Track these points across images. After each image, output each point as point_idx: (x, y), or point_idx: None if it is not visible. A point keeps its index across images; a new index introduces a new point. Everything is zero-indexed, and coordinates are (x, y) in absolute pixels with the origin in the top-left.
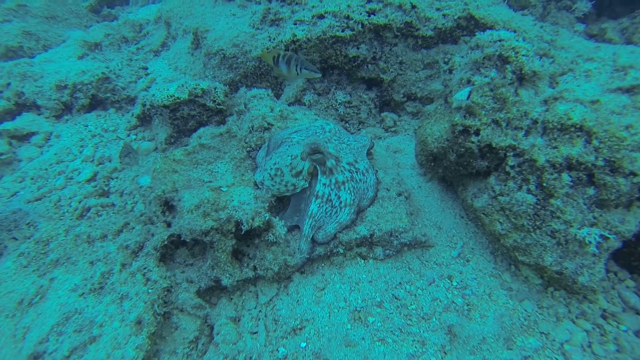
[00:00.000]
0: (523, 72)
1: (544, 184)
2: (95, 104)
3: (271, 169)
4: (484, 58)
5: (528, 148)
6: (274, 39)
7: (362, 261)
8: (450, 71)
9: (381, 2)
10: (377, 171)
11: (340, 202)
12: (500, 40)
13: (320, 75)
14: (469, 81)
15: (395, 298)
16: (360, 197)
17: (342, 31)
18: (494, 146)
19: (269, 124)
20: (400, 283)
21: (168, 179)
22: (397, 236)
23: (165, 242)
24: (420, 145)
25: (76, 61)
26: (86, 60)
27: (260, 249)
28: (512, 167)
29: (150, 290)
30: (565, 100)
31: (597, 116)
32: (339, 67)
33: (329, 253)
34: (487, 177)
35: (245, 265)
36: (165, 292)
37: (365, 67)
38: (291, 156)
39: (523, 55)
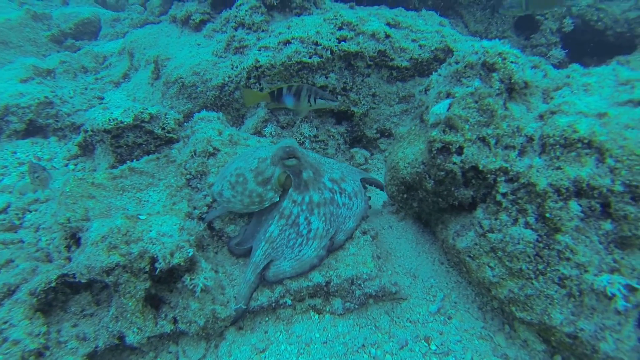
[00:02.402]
0: (512, 81)
1: (547, 215)
2: (33, 130)
3: (231, 175)
4: (465, 67)
5: (524, 170)
6: (236, 67)
7: (316, 316)
8: (427, 91)
9: (353, 31)
10: (369, 197)
11: (310, 232)
12: (483, 49)
13: (337, 103)
14: (448, 94)
15: None
16: (337, 228)
17: (310, 57)
18: (481, 169)
19: (214, 148)
20: (363, 345)
21: (79, 206)
22: (360, 285)
23: (52, 285)
24: (391, 172)
25: (17, 84)
26: (30, 84)
27: (183, 295)
28: (504, 195)
29: (1, 357)
30: (566, 113)
31: (609, 130)
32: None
33: (273, 304)
34: (472, 211)
35: (162, 316)
36: (33, 358)
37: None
38: (259, 159)
39: (512, 62)
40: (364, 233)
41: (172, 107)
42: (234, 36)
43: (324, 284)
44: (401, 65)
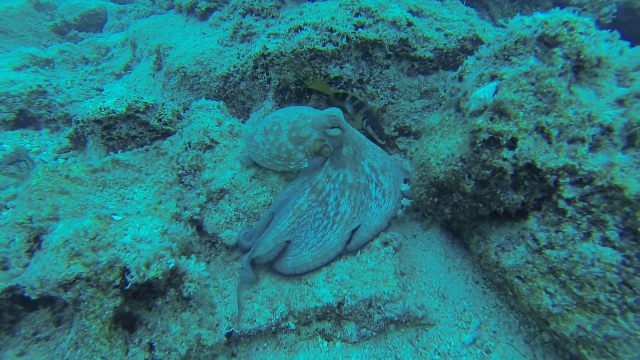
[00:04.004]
0: (582, 57)
1: None
2: (24, 121)
3: (268, 121)
4: (516, 42)
5: (601, 170)
6: (243, 56)
7: (325, 343)
8: (460, 78)
9: (372, 17)
10: (402, 206)
11: (337, 214)
12: (539, 20)
13: (383, 143)
14: (493, 77)
15: None
16: (362, 222)
17: (323, 45)
18: (538, 167)
19: (212, 140)
20: None
21: (46, 203)
22: (379, 308)
23: None
24: (419, 171)
25: (9, 71)
26: (24, 72)
27: (163, 314)
28: (569, 201)
29: None
30: None
31: None
32: (317, 90)
33: (274, 327)
34: (520, 220)
35: (136, 341)
36: None
37: (350, 91)
38: (300, 114)
39: (581, 33)
40: (385, 244)
41: (173, 98)
42: (241, 23)
43: (336, 305)
44: (424, 56)
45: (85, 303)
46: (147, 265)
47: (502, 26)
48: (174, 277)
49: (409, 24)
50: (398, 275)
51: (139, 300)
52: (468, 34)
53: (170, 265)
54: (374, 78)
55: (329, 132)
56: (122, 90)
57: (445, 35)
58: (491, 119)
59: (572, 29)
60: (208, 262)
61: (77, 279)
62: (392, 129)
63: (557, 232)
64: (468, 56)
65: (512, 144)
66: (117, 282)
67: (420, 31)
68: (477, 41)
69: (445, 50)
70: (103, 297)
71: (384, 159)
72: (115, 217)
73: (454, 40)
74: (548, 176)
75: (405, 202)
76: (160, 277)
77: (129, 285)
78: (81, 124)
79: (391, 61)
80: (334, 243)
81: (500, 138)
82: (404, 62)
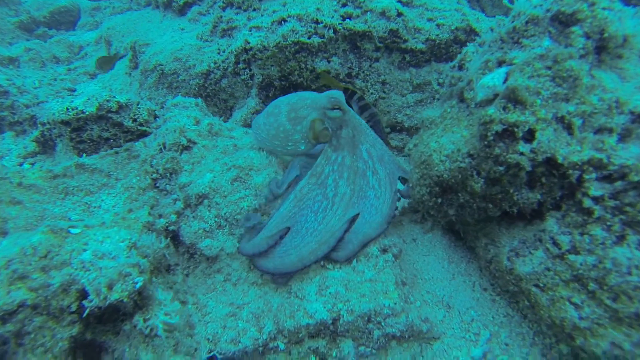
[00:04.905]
0: (606, 36)
1: None
2: None
3: (271, 105)
4: (526, 23)
5: (635, 163)
6: (224, 51)
7: None
8: (461, 67)
9: (359, 8)
10: (398, 198)
11: (336, 195)
12: None
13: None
14: (501, 62)
15: None
16: (362, 210)
17: (309, 38)
18: (559, 162)
19: (189, 140)
20: None
21: None
22: (379, 323)
23: None
24: (420, 169)
25: None
26: None
27: (132, 340)
28: (596, 199)
29: None
30: None
31: None
32: (303, 85)
33: (261, 348)
34: (536, 221)
35: None
36: None
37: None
38: (300, 97)
39: (604, 8)
40: (384, 251)
41: (151, 98)
42: (221, 17)
43: (330, 321)
44: (415, 47)
45: (32, 335)
46: (109, 286)
47: (494, 16)
48: (142, 300)
49: (399, 14)
50: (399, 285)
51: (104, 324)
52: (461, 24)
53: (138, 285)
54: (363, 72)
55: (329, 114)
56: (95, 91)
57: (437, 25)
58: (504, 108)
59: (593, 3)
60: (187, 275)
61: (20, 307)
62: (384, 125)
63: (582, 234)
64: (462, 47)
65: (529, 136)
66: (74, 307)
67: (411, 22)
68: (471, 31)
69: (437, 41)
70: (55, 326)
71: (382, 150)
72: (73, 231)
73: (447, 31)
74: (570, 172)
75: (400, 202)
76: (125, 300)
77: (86, 311)
78: (47, 126)
79: (381, 54)
80: (336, 226)
81: (516, 129)
82: (394, 55)
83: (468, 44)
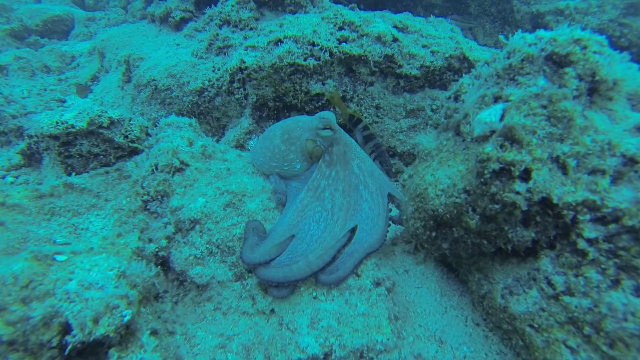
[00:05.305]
0: (597, 79)
1: None
2: None
3: (267, 130)
4: (522, 61)
5: (629, 207)
6: (219, 69)
7: None
8: (457, 98)
9: (355, 32)
10: (390, 210)
11: (334, 206)
12: (545, 37)
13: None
14: (497, 98)
15: None
16: (359, 222)
17: (305, 60)
18: (554, 202)
19: (182, 162)
20: None
21: None
22: (371, 359)
23: None
24: (415, 202)
25: None
26: None
27: None
28: (590, 241)
29: None
30: None
31: None
32: (297, 107)
33: None
34: (530, 259)
35: None
36: None
37: (331, 109)
38: (294, 119)
39: (595, 52)
40: (377, 284)
41: (143, 113)
42: (217, 34)
43: (322, 356)
44: (410, 73)
45: None
46: (95, 320)
47: (488, 45)
48: (127, 334)
49: (395, 39)
50: (392, 320)
51: (86, 358)
52: (455, 52)
53: (126, 319)
54: (357, 95)
55: (321, 133)
56: (86, 103)
57: (432, 52)
58: (501, 146)
59: (585, 47)
60: (175, 303)
61: None
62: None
63: (576, 276)
64: (455, 75)
65: (525, 175)
66: (54, 342)
67: (406, 47)
68: (464, 59)
69: (432, 68)
70: None
71: (372, 166)
72: (59, 257)
73: (441, 58)
74: (565, 212)
75: (391, 228)
76: (111, 335)
77: (69, 347)
78: (35, 139)
79: (375, 78)
80: (339, 234)
81: (512, 168)
82: (389, 79)
83: (464, 75)
